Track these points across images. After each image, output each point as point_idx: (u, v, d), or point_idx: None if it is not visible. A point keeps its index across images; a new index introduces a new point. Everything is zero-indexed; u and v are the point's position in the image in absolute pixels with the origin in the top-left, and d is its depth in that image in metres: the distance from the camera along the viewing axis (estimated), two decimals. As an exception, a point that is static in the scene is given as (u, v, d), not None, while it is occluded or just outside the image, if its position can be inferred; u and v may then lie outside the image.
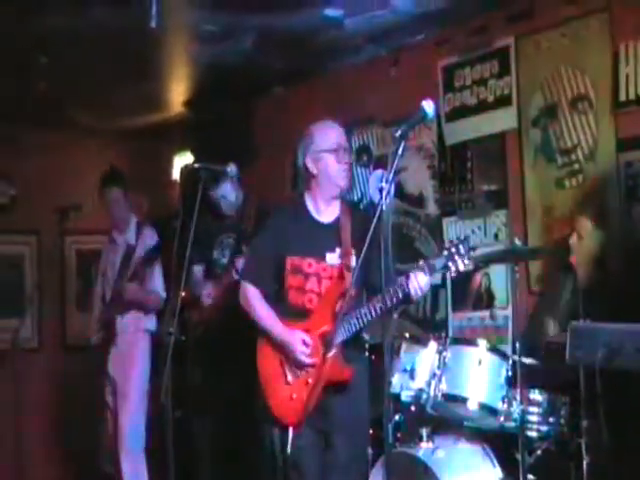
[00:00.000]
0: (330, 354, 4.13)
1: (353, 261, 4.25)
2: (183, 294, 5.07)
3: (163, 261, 6.22)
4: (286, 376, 4.31)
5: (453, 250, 4.02)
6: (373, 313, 4.12)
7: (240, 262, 5.49)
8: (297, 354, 4.24)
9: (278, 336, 4.31)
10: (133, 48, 6.38)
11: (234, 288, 5.51)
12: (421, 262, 4.14)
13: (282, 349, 4.31)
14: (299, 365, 4.27)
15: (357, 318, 4.15)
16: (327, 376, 4.17)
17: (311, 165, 4.38)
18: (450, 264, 4.02)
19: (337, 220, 4.41)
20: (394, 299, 4.07)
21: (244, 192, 5.92)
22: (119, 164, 7.62)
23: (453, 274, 4.09)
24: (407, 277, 4.07)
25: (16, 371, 7.52)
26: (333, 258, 4.33)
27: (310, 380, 4.24)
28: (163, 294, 6.28)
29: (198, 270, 5.89)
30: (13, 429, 7.31)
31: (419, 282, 4.07)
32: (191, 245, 5.65)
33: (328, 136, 4.39)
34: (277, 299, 4.41)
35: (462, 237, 4.11)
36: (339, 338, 4.16)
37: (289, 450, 4.14)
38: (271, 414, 4.29)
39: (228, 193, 5.80)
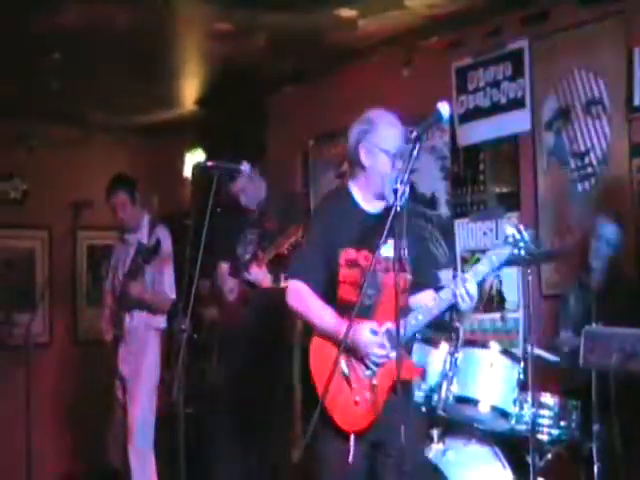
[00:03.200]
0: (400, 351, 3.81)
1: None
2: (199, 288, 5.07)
3: (175, 260, 6.24)
4: (348, 379, 3.92)
5: (517, 237, 3.89)
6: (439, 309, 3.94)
7: (254, 266, 5.51)
8: (374, 351, 3.87)
9: (344, 334, 3.76)
10: (146, 46, 6.40)
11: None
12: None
13: (349, 349, 3.89)
14: (374, 363, 3.91)
15: (423, 313, 3.95)
16: (399, 374, 3.79)
17: (364, 156, 4.04)
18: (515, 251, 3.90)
19: (385, 211, 3.95)
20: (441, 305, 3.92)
21: (267, 187, 5.90)
22: (131, 161, 7.70)
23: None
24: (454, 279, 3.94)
25: (28, 366, 7.54)
26: (387, 250, 3.89)
27: (375, 381, 3.93)
28: (172, 295, 6.24)
29: (224, 266, 5.87)
30: (24, 423, 7.32)
31: (467, 288, 3.90)
32: (217, 241, 5.65)
33: (392, 136, 4.00)
34: (327, 297, 4.02)
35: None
36: (409, 333, 3.93)
37: (350, 459, 3.87)
38: (332, 423, 3.86)
39: (247, 186, 5.78)
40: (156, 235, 6.20)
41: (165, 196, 8.15)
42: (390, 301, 3.79)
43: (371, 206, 4.11)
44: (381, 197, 4.06)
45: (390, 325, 3.87)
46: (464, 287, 3.88)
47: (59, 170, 8.30)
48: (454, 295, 3.90)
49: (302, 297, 4.03)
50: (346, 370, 3.95)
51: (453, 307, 3.98)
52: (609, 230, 5.12)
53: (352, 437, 3.91)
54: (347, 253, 4.01)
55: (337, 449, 3.93)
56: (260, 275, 5.50)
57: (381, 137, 4.01)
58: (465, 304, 3.92)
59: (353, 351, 3.92)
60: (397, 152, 3.98)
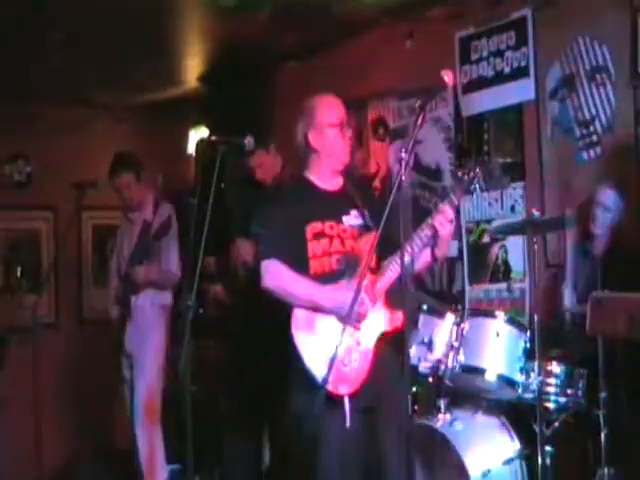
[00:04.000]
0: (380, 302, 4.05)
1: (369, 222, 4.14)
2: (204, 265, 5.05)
3: (180, 238, 6.23)
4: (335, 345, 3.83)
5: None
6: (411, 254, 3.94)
7: None
8: (357, 308, 3.88)
9: (328, 299, 4.02)
10: (148, 23, 6.37)
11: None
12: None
13: (332, 314, 4.02)
14: (358, 319, 3.99)
15: (395, 263, 4.00)
16: (383, 326, 4.05)
17: (313, 140, 4.23)
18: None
19: (343, 187, 4.30)
20: (423, 237, 4.00)
21: (282, 160, 5.85)
22: (134, 140, 7.67)
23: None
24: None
25: (34, 347, 7.55)
26: (350, 220, 4.21)
27: (361, 339, 4.04)
28: (178, 272, 6.24)
29: (242, 241, 5.81)
30: (31, 403, 7.33)
31: (445, 214, 4.02)
32: (234, 217, 5.84)
33: (331, 110, 4.27)
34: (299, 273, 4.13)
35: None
36: (385, 285, 4.06)
37: (348, 424, 3.94)
38: (324, 389, 3.78)
39: (264, 161, 5.75)
40: (162, 213, 6.19)
41: (169, 174, 8.14)
42: (359, 263, 3.98)
43: (329, 185, 4.30)
44: (338, 173, 4.30)
45: (367, 282, 4.00)
46: (441, 216, 4.02)
47: (63, 151, 8.29)
48: (432, 226, 4.02)
49: (281, 275, 4.14)
50: (331, 336, 3.98)
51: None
52: (609, 197, 5.09)
53: (346, 401, 3.96)
54: (313, 227, 4.18)
55: (332, 415, 3.95)
56: None
57: (323, 114, 4.25)
58: (444, 229, 4.04)
59: (336, 315, 4.01)
60: (341, 121, 4.25)
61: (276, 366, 5.52)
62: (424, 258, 4.20)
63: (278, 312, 5.22)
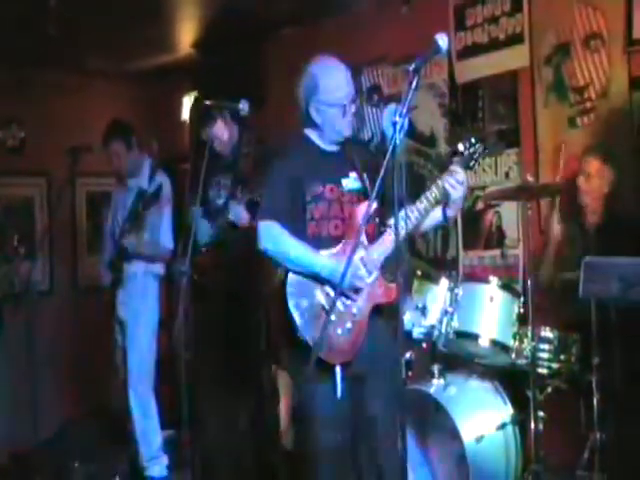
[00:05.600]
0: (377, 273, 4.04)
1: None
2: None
3: (175, 205, 6.23)
4: (328, 312, 3.87)
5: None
6: (412, 221, 3.99)
7: (234, 205, 5.45)
8: (352, 277, 3.93)
9: (324, 268, 3.99)
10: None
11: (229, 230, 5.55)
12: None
13: (327, 282, 4.02)
14: (353, 289, 4.00)
15: (417, 209, 4.00)
16: (377, 298, 4.05)
17: (314, 114, 4.16)
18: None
19: (342, 149, 4.24)
20: (431, 199, 3.99)
21: (240, 130, 5.76)
22: (128, 106, 7.64)
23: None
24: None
25: (29, 314, 7.56)
26: (349, 183, 4.17)
27: (355, 310, 4.04)
28: (169, 245, 6.21)
29: (197, 211, 5.77)
30: (27, 369, 7.35)
31: (456, 177, 4.01)
32: (189, 187, 5.64)
33: (336, 88, 4.12)
34: (296, 236, 4.09)
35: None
36: (382, 255, 4.04)
37: (339, 394, 3.96)
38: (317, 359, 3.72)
39: (220, 132, 5.66)
40: (157, 181, 6.17)
41: (164, 141, 8.10)
42: (357, 229, 3.93)
43: (328, 146, 4.24)
44: (337, 143, 4.23)
45: (364, 253, 4.02)
46: (453, 177, 4.00)
47: (57, 117, 8.24)
48: (444, 188, 4.01)
49: (279, 238, 4.09)
50: (325, 303, 4.00)
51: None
52: (594, 167, 5.08)
53: (338, 370, 3.98)
54: (313, 189, 4.12)
55: (324, 384, 3.98)
56: (241, 213, 5.43)
57: (327, 92, 4.12)
58: (456, 192, 4.03)
59: (331, 283, 4.00)
60: (347, 100, 4.14)
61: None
62: (434, 217, 4.17)
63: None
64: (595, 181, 5.07)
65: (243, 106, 5.27)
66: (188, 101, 8.25)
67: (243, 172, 5.55)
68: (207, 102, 5.30)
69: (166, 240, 6.22)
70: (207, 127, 5.59)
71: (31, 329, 6.89)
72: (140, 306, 6.28)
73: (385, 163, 3.47)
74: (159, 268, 6.34)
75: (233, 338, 5.67)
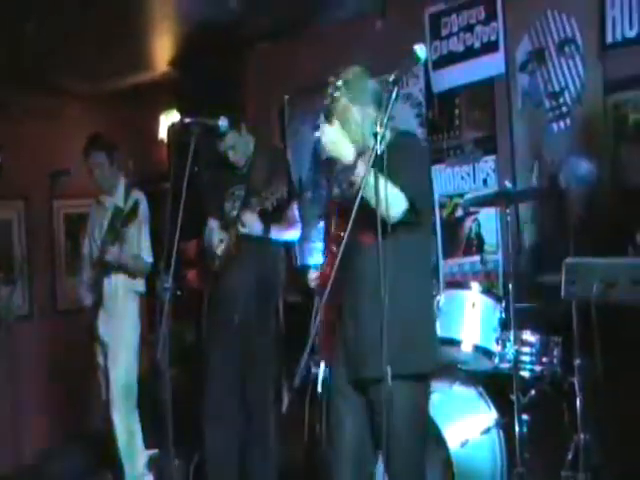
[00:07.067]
0: None
1: None
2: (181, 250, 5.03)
3: (153, 223, 6.21)
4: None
5: None
6: None
7: (248, 215, 5.46)
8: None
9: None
10: (115, 8, 6.33)
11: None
12: None
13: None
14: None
15: None
16: None
17: None
18: None
19: None
20: None
21: (254, 141, 5.82)
22: (106, 127, 7.60)
23: None
24: None
25: (9, 338, 7.52)
26: None
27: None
28: (149, 259, 6.21)
29: (214, 224, 5.79)
30: (8, 394, 7.33)
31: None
32: (206, 198, 5.79)
33: None
34: None
35: None
36: None
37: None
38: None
39: (236, 143, 5.72)
40: (132, 198, 6.16)
41: (141, 160, 8.10)
42: None
43: None
44: None
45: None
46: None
47: (33, 139, 8.20)
48: None
49: None
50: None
51: None
52: (580, 167, 5.12)
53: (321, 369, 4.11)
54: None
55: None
56: (254, 223, 5.45)
57: None
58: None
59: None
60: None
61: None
62: None
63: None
64: (581, 181, 5.12)
65: (222, 123, 5.28)
66: (165, 119, 8.25)
67: (255, 182, 5.56)
68: (186, 120, 5.29)
69: (145, 254, 6.21)
70: (220, 139, 5.63)
71: (11, 353, 6.86)
72: (121, 325, 6.24)
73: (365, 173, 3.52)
74: (139, 285, 6.31)
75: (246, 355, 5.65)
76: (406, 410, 3.83)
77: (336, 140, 3.86)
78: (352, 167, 3.81)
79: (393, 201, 3.60)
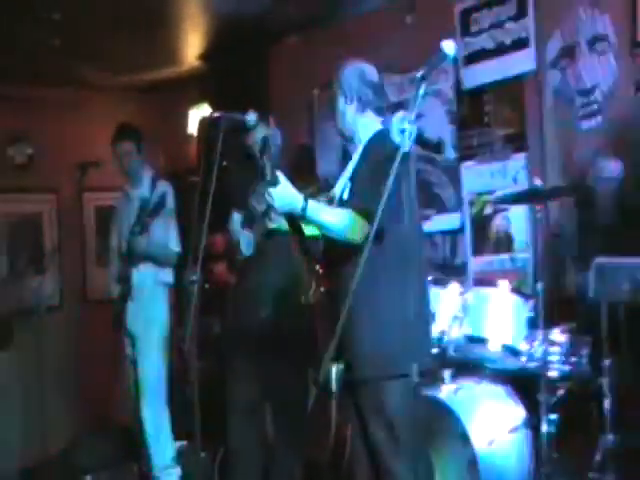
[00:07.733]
0: None
1: None
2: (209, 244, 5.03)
3: (181, 216, 6.22)
4: None
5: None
6: None
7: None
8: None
9: None
10: (147, 2, 6.36)
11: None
12: None
13: None
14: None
15: None
16: None
17: None
18: None
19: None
20: None
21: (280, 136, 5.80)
22: (135, 119, 7.61)
23: None
24: None
25: (39, 329, 7.58)
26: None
27: None
28: (176, 249, 6.25)
29: (238, 217, 5.80)
30: (37, 383, 7.38)
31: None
32: (232, 192, 5.76)
33: None
34: None
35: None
36: None
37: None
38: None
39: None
40: (159, 190, 6.18)
41: (170, 154, 8.13)
42: None
43: None
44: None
45: None
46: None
47: (64, 132, 8.30)
48: None
49: None
50: None
51: None
52: (608, 166, 5.08)
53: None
54: None
55: None
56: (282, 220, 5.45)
57: None
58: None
59: None
60: None
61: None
62: None
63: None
64: (610, 182, 5.07)
65: (251, 117, 5.28)
66: (195, 113, 8.26)
67: None
68: (215, 114, 5.30)
69: (173, 244, 6.24)
70: (247, 134, 5.63)
71: (41, 344, 6.90)
72: (150, 317, 6.27)
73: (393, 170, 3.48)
74: (168, 276, 6.34)
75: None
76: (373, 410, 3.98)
77: (285, 196, 3.94)
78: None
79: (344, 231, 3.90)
